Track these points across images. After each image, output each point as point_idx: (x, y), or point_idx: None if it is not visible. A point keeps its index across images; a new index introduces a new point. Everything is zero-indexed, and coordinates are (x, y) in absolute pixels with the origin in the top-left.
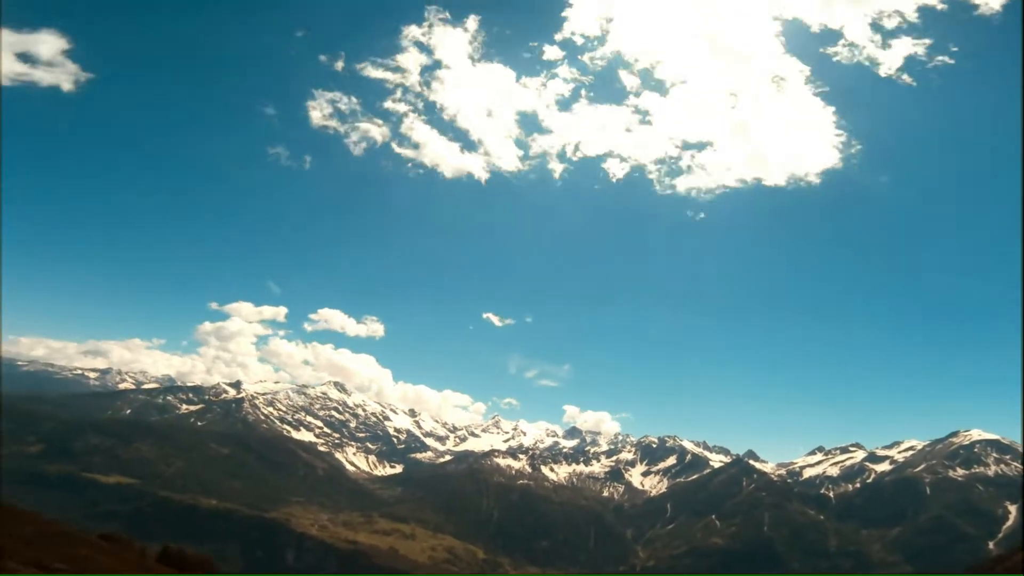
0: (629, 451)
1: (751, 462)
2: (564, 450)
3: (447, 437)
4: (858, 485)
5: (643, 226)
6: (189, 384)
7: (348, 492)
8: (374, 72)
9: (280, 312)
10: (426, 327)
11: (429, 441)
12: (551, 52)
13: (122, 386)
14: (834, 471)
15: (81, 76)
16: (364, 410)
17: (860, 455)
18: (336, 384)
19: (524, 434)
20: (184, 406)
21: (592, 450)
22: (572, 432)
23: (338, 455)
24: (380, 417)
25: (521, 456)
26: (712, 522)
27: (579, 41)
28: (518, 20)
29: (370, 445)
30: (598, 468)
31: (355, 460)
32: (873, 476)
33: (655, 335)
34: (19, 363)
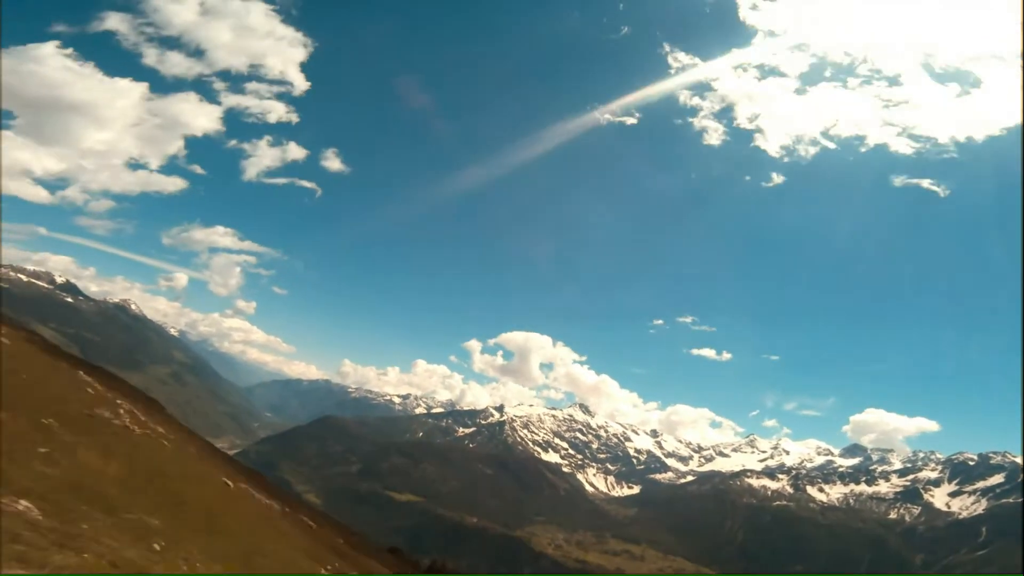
0: (933, 469)
1: None
2: (840, 469)
3: (690, 457)
4: None
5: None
6: (465, 408)
7: (585, 512)
8: None
9: (536, 337)
10: (679, 346)
11: (670, 462)
12: None
13: (417, 411)
14: None
15: None
16: (606, 431)
17: None
18: (581, 406)
19: (786, 453)
20: (460, 429)
21: (880, 468)
22: (852, 450)
23: (579, 476)
24: (621, 438)
25: (780, 476)
26: None
27: None
28: None
29: (610, 466)
30: (885, 488)
31: (594, 481)
32: None
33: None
34: (349, 390)
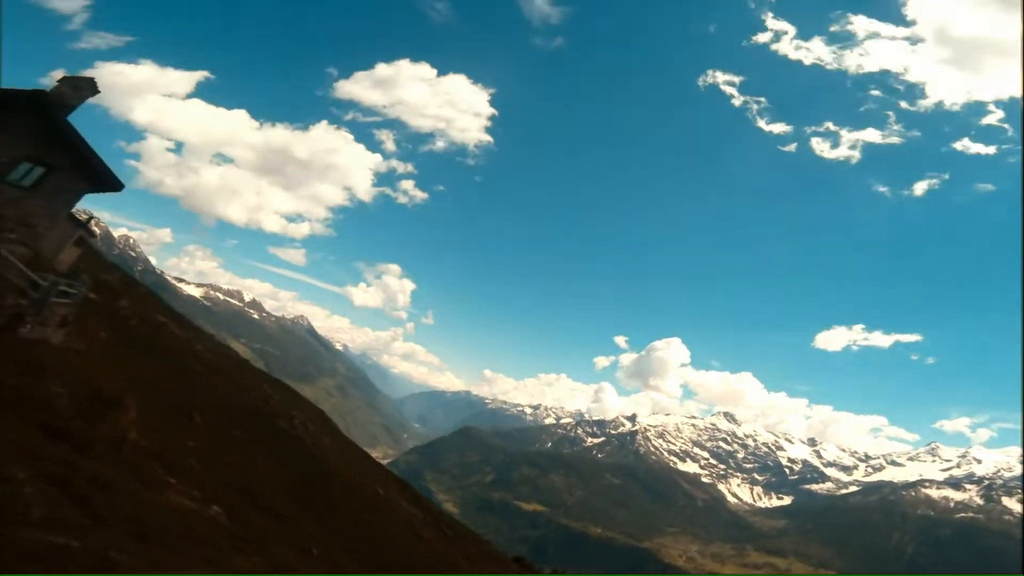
0: None
1: None
2: None
3: (855, 467)
4: None
5: None
6: (594, 418)
7: (724, 523)
8: None
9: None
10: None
11: (830, 471)
12: None
13: (547, 421)
14: None
15: None
16: (754, 440)
17: None
18: (726, 414)
19: (977, 462)
20: (589, 439)
21: None
22: None
23: (720, 486)
24: (772, 447)
25: (968, 486)
26: None
27: None
28: None
29: (757, 476)
30: None
31: (738, 491)
32: None
33: None
34: (486, 400)
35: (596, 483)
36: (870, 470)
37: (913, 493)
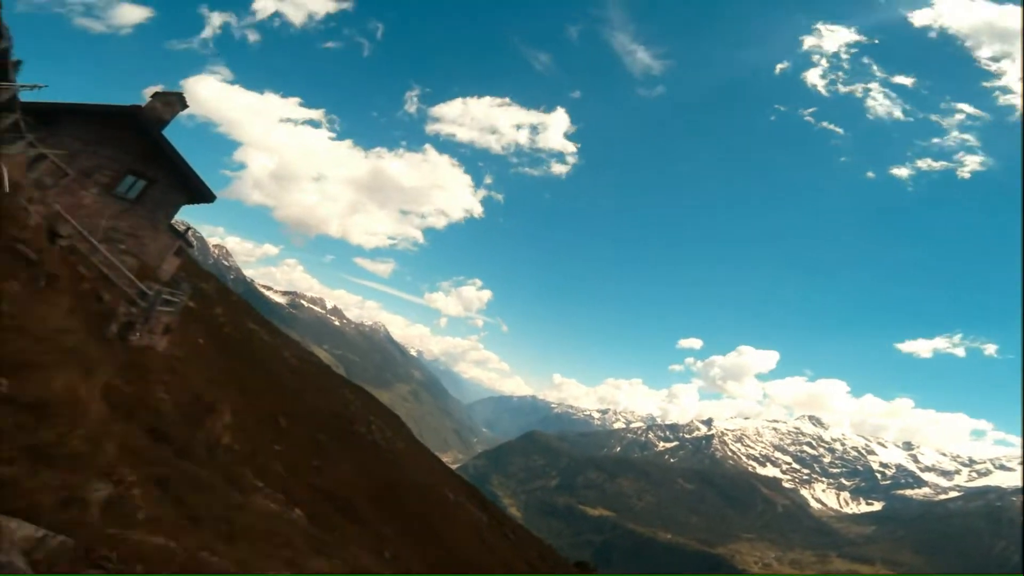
0: None
1: None
2: None
3: (956, 472)
4: None
5: None
6: (667, 422)
7: (806, 530)
8: None
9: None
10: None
11: (928, 476)
12: None
13: (615, 425)
14: None
15: None
16: (843, 444)
17: None
18: (811, 418)
19: None
20: (661, 443)
21: None
22: None
23: (803, 491)
24: (863, 451)
25: None
26: None
27: None
28: None
29: (844, 481)
30: None
31: (822, 496)
32: None
33: None
34: (552, 405)
35: (667, 488)
36: (974, 475)
37: (1020, 499)
